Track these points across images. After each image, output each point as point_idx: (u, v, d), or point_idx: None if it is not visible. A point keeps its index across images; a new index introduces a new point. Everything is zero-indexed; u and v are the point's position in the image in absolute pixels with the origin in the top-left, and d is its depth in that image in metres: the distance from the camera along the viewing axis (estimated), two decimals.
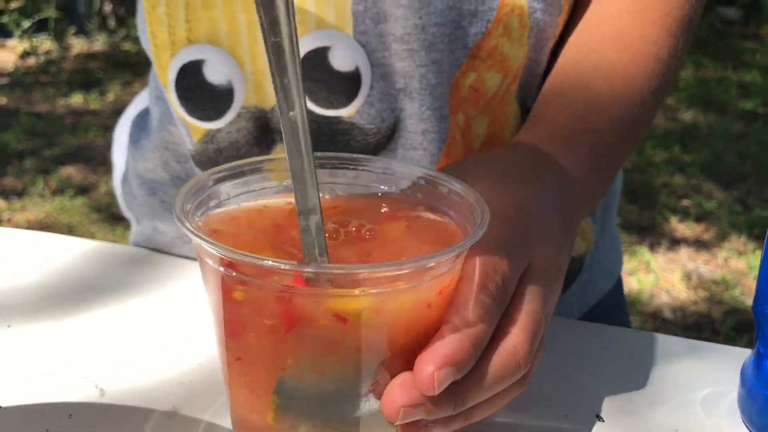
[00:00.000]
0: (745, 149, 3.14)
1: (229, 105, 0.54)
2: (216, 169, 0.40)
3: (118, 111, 3.42)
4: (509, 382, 0.37)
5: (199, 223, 0.38)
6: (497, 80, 0.55)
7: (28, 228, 2.33)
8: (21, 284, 0.56)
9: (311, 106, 0.53)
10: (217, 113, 0.55)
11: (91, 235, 2.35)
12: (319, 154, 0.41)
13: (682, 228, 2.53)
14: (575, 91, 0.54)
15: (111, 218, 2.46)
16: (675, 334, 2.02)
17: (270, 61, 0.32)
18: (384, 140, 0.55)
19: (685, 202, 2.71)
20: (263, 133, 0.56)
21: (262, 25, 0.32)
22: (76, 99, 3.58)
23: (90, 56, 4.24)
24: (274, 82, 0.32)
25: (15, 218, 2.48)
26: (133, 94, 3.64)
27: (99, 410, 0.43)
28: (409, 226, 0.40)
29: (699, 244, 2.44)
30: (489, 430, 0.43)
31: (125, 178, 0.70)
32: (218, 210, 0.39)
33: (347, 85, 0.53)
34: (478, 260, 0.37)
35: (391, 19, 0.52)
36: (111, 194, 2.60)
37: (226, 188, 0.40)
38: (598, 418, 0.45)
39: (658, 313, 2.10)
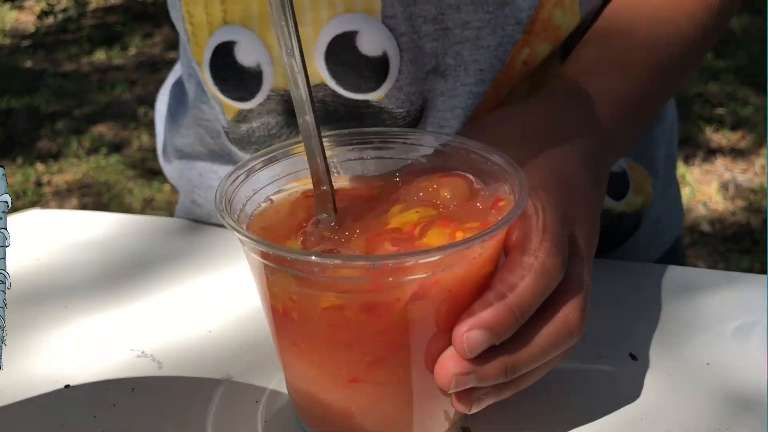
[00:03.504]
0: None
1: (259, 87, 0.55)
2: (249, 159, 0.41)
3: (141, 64, 3.43)
4: (561, 350, 0.38)
5: (241, 216, 0.39)
6: (547, 51, 0.55)
7: (68, 189, 2.39)
8: (74, 264, 0.59)
9: (339, 90, 0.54)
10: (248, 94, 0.55)
11: (129, 192, 2.40)
12: (346, 131, 0.43)
13: (718, 137, 2.49)
14: (616, 36, 0.53)
15: (146, 173, 2.50)
16: (713, 247, 2.01)
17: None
18: (413, 122, 0.56)
19: (720, 111, 2.65)
20: (292, 117, 0.56)
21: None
22: (99, 56, 3.58)
23: (108, 10, 4.22)
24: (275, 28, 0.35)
25: (54, 180, 2.54)
26: (154, 45, 3.64)
27: (160, 383, 0.46)
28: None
29: (735, 153, 2.40)
30: None
31: (165, 150, 0.72)
32: (257, 199, 0.41)
33: (375, 70, 0.53)
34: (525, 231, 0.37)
35: (422, 0, 0.52)
36: (144, 149, 2.63)
37: (263, 177, 0.41)
38: (632, 357, 0.47)
39: (695, 227, 2.09)
